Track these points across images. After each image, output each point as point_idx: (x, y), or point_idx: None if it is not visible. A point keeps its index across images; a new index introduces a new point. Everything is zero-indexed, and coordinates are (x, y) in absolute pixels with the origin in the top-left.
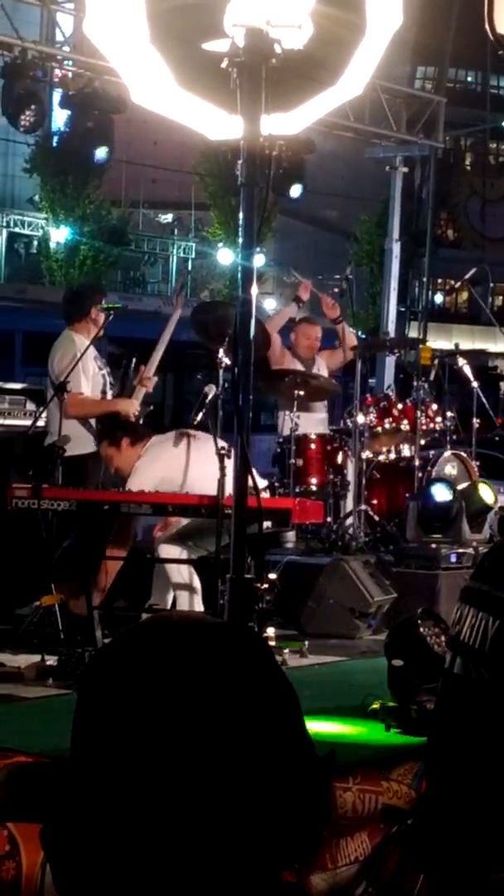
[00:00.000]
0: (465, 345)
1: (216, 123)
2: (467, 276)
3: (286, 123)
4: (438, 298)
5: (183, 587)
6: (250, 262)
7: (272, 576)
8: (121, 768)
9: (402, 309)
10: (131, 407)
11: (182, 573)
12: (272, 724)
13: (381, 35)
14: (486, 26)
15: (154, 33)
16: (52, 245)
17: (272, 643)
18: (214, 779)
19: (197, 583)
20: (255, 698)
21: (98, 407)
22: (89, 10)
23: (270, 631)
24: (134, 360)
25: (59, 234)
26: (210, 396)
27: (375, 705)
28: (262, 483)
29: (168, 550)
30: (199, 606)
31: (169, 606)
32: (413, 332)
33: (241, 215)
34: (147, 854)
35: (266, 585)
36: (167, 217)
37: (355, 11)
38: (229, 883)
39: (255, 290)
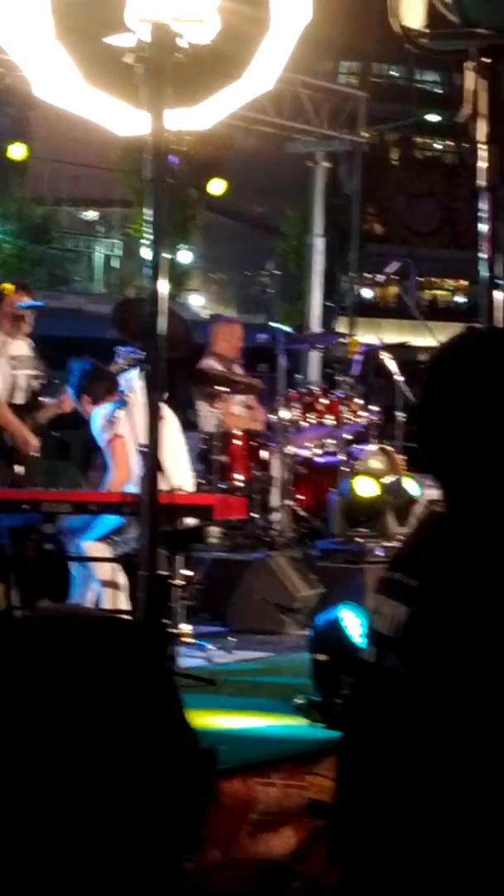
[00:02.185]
0: (394, 339)
1: (123, 119)
2: (389, 270)
3: (194, 119)
4: (367, 294)
5: (108, 584)
6: (160, 257)
7: (187, 572)
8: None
9: (331, 304)
10: (30, 446)
11: (106, 571)
12: (150, 717)
13: (289, 30)
14: (391, 19)
15: (59, 29)
16: None
17: (189, 640)
18: (92, 772)
19: (122, 580)
20: (133, 692)
21: (6, 420)
22: None
23: (186, 627)
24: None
25: None
26: (129, 393)
27: (300, 700)
28: (191, 480)
29: (93, 548)
30: (123, 604)
31: (90, 604)
32: (342, 328)
33: (150, 211)
34: (28, 850)
35: (181, 582)
36: (91, 215)
37: (260, 6)
38: (114, 874)
39: (165, 284)
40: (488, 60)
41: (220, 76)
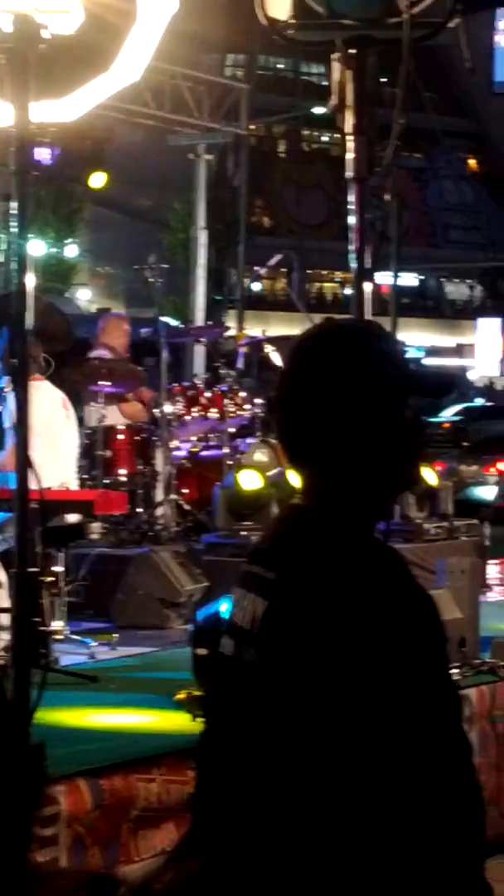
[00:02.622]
0: (282, 332)
1: None
2: (272, 262)
3: (60, 111)
4: (256, 287)
5: None
6: (24, 251)
7: (60, 568)
8: None
9: (219, 297)
10: None
11: None
12: None
13: (156, 21)
14: (259, 11)
15: None
16: None
17: (60, 637)
18: None
19: (3, 577)
20: None
21: None
22: None
23: (59, 624)
24: None
25: None
26: (7, 388)
27: (182, 695)
28: (73, 476)
29: None
30: (4, 602)
31: None
32: (230, 321)
33: (14, 203)
34: None
35: (52, 578)
36: None
37: None
38: None
39: (31, 278)
40: (354, 52)
41: (87, 67)
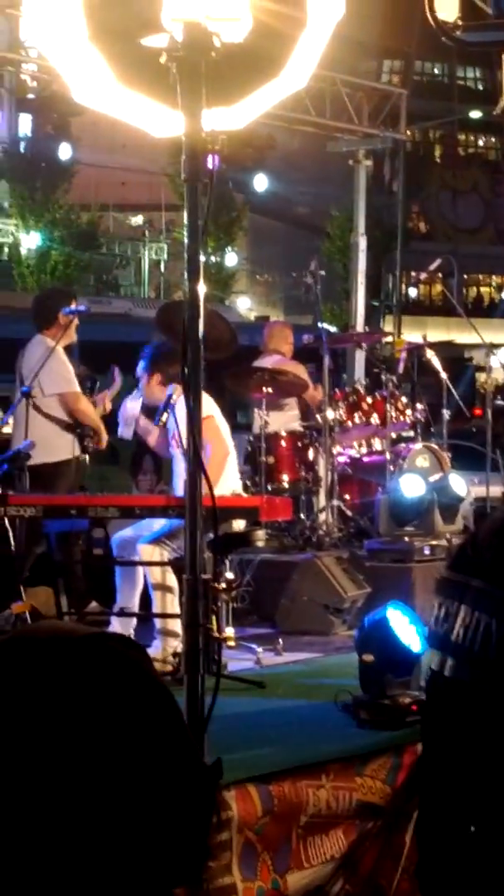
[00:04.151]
0: (440, 337)
1: (159, 120)
2: (432, 267)
3: (229, 118)
4: (413, 292)
5: (158, 588)
6: (196, 258)
7: (230, 575)
8: None
9: (377, 303)
10: (103, 441)
11: (156, 574)
12: (144, 735)
13: (323, 27)
14: (427, 13)
15: (92, 30)
16: (23, 251)
17: (232, 643)
18: (86, 796)
19: (173, 583)
20: (124, 711)
21: (89, 416)
22: (26, 9)
23: (230, 631)
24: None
25: (30, 240)
26: (175, 397)
27: (348, 701)
28: (238, 483)
29: (146, 552)
30: (174, 608)
31: (136, 608)
32: (388, 326)
33: (185, 213)
34: (29, 878)
35: (223, 585)
36: (137, 219)
37: (295, 4)
38: (108, 891)
39: (202, 286)
40: None
41: (256, 75)
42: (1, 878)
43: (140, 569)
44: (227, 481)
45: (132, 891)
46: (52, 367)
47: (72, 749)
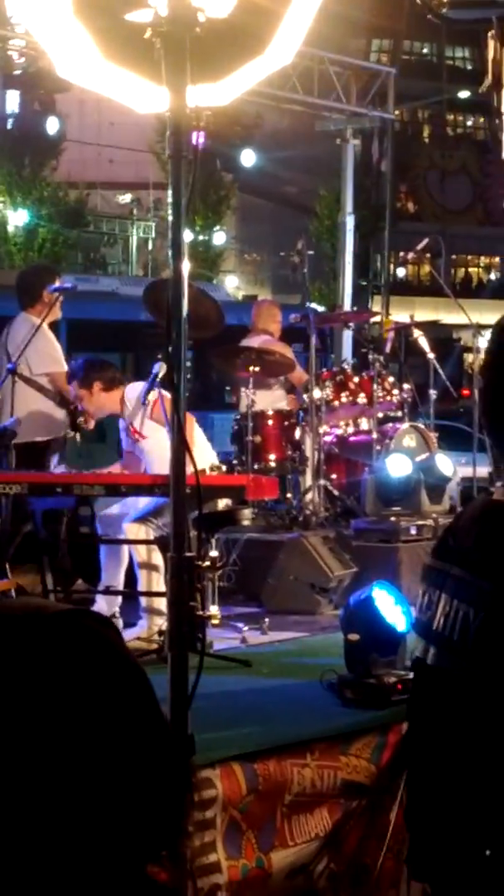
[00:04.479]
0: (428, 317)
1: (144, 96)
2: (420, 247)
3: (214, 94)
4: (401, 272)
5: (144, 566)
6: (180, 236)
7: (215, 553)
8: None
9: (364, 283)
10: (90, 420)
11: (142, 553)
12: (117, 711)
13: (309, 3)
14: None
15: (77, 5)
16: (10, 229)
17: (216, 622)
18: (56, 772)
19: (158, 561)
20: (96, 689)
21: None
22: None
23: (215, 609)
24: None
25: (17, 218)
26: (161, 374)
27: (333, 680)
28: (214, 460)
29: (131, 530)
30: (160, 586)
31: (121, 586)
32: (376, 306)
33: (169, 190)
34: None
35: (208, 564)
36: (125, 198)
37: None
38: (85, 879)
39: (186, 264)
40: None
41: (241, 51)
42: None
43: (125, 547)
44: (203, 454)
45: (103, 867)
46: (39, 346)
47: (41, 724)
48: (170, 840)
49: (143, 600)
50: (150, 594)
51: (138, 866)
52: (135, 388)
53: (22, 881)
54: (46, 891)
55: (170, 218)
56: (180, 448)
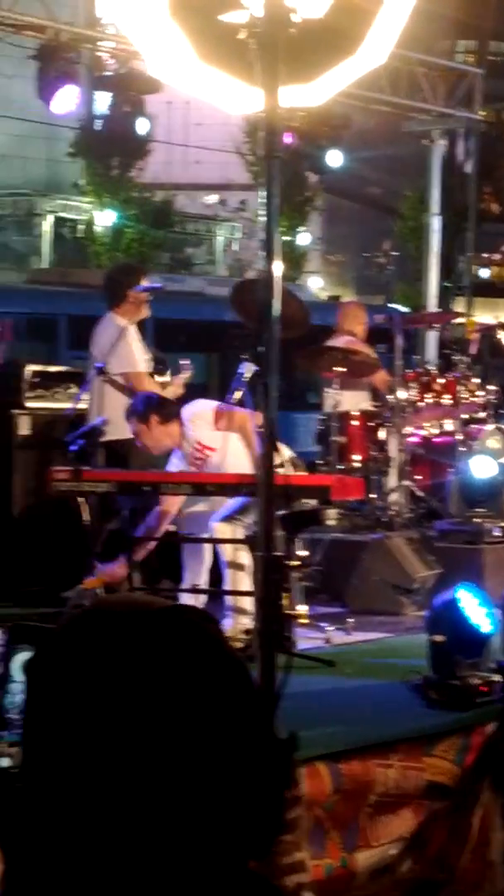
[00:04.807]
0: None
1: (237, 97)
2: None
3: (307, 95)
4: (484, 273)
5: (231, 565)
6: (273, 237)
7: (303, 553)
8: (71, 766)
9: (448, 285)
10: None
11: (229, 552)
12: (222, 710)
13: (402, 4)
14: None
15: (173, 7)
16: (98, 229)
17: (304, 621)
18: (162, 770)
19: (245, 560)
20: (202, 685)
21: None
22: None
23: (303, 608)
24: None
25: (104, 218)
26: (247, 375)
27: (417, 681)
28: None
29: (220, 529)
30: (246, 585)
31: (205, 585)
32: (459, 308)
33: (264, 189)
34: (104, 851)
35: (296, 563)
36: (211, 198)
37: None
38: (190, 876)
39: (278, 265)
40: None
41: (335, 51)
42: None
43: (207, 545)
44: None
45: (207, 862)
46: (119, 347)
47: (150, 720)
48: (273, 836)
49: (229, 599)
50: (236, 593)
51: (243, 861)
52: (191, 408)
53: (135, 876)
54: (157, 884)
55: (263, 218)
56: (269, 448)
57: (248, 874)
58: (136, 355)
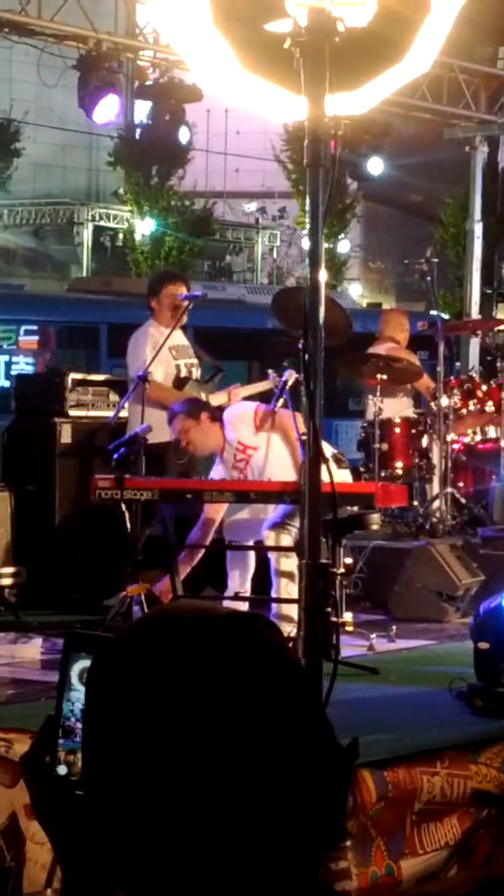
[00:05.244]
0: None
1: (280, 105)
2: None
3: (352, 103)
4: None
5: (280, 573)
6: (318, 245)
7: (348, 560)
8: (135, 773)
9: (489, 291)
10: None
11: (279, 559)
12: (284, 716)
13: (447, 11)
14: None
15: (217, 15)
16: (138, 237)
17: (349, 628)
18: (226, 777)
19: (292, 567)
20: (265, 692)
21: (174, 397)
22: None
23: (348, 616)
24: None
25: (144, 227)
26: (290, 383)
27: (462, 688)
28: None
29: (270, 536)
30: (294, 593)
31: (248, 593)
32: (500, 314)
33: (307, 198)
34: (165, 855)
35: (342, 570)
36: (251, 206)
37: None
38: (259, 883)
39: (323, 273)
40: None
41: (379, 59)
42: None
43: (251, 553)
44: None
45: (276, 870)
46: (135, 349)
47: (214, 729)
48: (334, 843)
49: (275, 606)
50: (280, 600)
51: (313, 868)
52: (232, 410)
53: (201, 884)
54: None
55: (302, 229)
56: (315, 454)
57: (315, 881)
58: (143, 358)
